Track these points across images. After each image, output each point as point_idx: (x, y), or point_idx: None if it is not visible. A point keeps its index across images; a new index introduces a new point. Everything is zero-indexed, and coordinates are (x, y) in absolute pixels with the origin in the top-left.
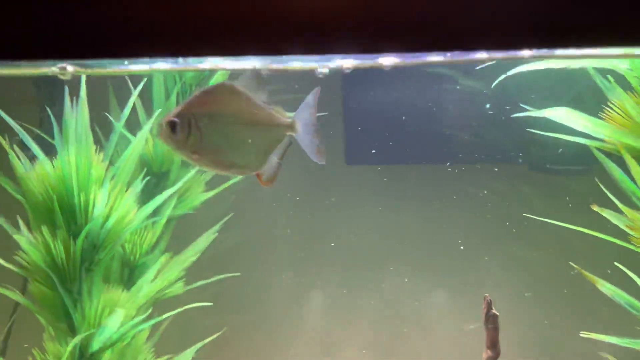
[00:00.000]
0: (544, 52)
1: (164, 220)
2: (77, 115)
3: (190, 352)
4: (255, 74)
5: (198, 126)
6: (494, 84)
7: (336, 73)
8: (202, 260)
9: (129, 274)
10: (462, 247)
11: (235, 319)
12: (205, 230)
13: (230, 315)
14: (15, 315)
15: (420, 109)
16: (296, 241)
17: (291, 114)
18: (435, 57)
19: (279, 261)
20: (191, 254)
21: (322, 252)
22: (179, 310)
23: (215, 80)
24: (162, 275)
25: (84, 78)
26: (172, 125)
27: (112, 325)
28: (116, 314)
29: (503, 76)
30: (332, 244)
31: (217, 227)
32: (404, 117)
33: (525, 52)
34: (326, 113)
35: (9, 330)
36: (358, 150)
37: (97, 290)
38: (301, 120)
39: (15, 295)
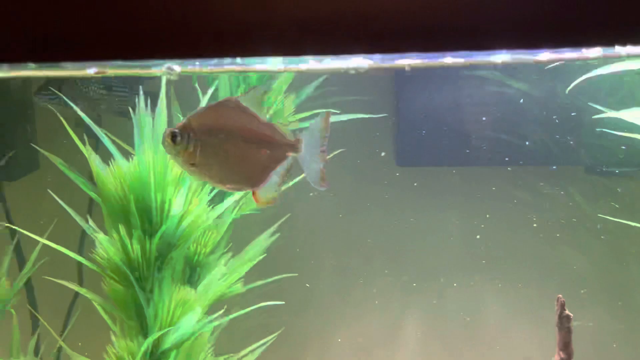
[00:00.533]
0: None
1: (230, 220)
2: (156, 115)
3: (254, 354)
4: (261, 90)
5: (197, 139)
6: (570, 86)
7: (388, 73)
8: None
9: (190, 273)
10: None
11: (290, 319)
12: (254, 231)
13: (285, 315)
14: (71, 315)
15: (475, 110)
16: (343, 242)
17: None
18: (501, 57)
19: (329, 263)
20: (251, 253)
21: (374, 253)
22: (251, 308)
23: (279, 82)
24: (226, 275)
25: (164, 79)
26: (172, 136)
27: (188, 324)
28: (194, 312)
29: (584, 77)
30: (384, 245)
31: (274, 227)
32: (459, 118)
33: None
34: (386, 114)
35: (64, 329)
36: (409, 151)
37: (167, 289)
38: (306, 141)
39: (88, 293)
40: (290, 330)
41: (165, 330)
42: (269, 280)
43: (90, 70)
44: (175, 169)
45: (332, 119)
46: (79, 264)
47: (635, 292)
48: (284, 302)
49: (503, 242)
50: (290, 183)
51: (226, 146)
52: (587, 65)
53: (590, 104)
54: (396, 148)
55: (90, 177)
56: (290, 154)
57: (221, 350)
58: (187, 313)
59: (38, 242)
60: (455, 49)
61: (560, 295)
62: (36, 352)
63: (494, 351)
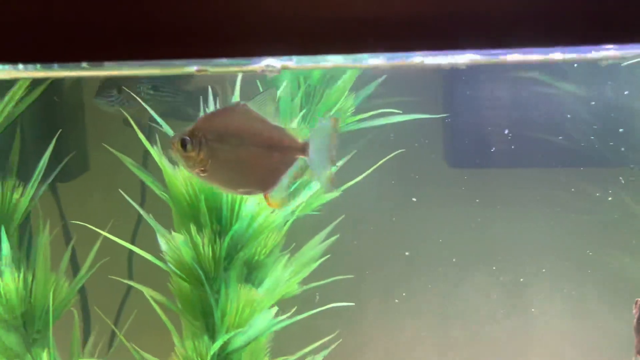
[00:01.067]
0: None
1: (291, 221)
2: None
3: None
4: (271, 93)
5: (208, 145)
6: None
7: (438, 71)
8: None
9: (248, 273)
10: (589, 253)
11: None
12: (310, 231)
13: (340, 318)
14: (120, 317)
15: (526, 111)
16: (398, 244)
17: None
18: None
19: (383, 264)
20: (310, 254)
21: (427, 256)
22: (323, 308)
23: (343, 80)
24: (291, 276)
25: (240, 76)
26: (182, 142)
27: (259, 323)
28: (266, 312)
29: None
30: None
31: (329, 228)
32: (510, 119)
33: None
34: (447, 114)
35: (114, 329)
36: (461, 152)
37: (233, 289)
38: (314, 143)
39: (154, 293)
40: (348, 334)
41: (238, 330)
42: (329, 280)
43: (192, 67)
44: None
45: (390, 119)
46: (129, 265)
47: None
48: (353, 304)
49: (556, 246)
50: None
51: (237, 151)
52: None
53: None
54: (448, 149)
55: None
56: (299, 157)
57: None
58: (254, 313)
59: (90, 243)
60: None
61: (639, 299)
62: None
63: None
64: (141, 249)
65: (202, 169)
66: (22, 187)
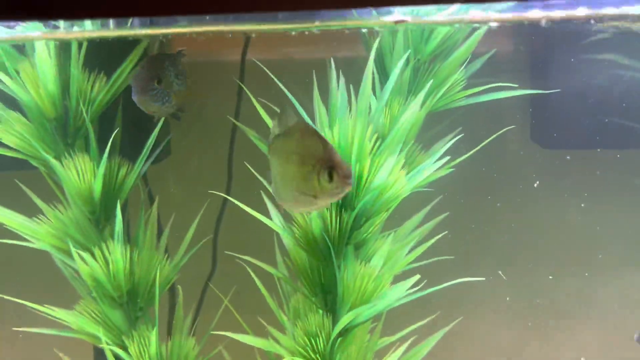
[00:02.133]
0: None
1: (400, 199)
2: (363, 84)
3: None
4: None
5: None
6: None
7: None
8: None
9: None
10: None
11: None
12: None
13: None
14: (204, 297)
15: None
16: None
17: None
18: None
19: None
20: (415, 233)
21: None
22: (450, 283)
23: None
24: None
25: (375, 47)
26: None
27: (390, 298)
28: (399, 285)
29: None
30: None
31: (427, 208)
32: (606, 100)
33: None
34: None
35: (198, 307)
36: (552, 130)
37: (352, 264)
38: None
39: (272, 269)
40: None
41: (368, 305)
42: (440, 258)
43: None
44: (372, 140)
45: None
46: (214, 245)
47: None
48: (484, 278)
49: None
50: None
51: None
52: None
53: None
54: (540, 129)
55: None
56: None
57: None
58: (376, 290)
59: (177, 223)
60: None
61: None
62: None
63: None
64: (227, 230)
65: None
66: (127, 166)
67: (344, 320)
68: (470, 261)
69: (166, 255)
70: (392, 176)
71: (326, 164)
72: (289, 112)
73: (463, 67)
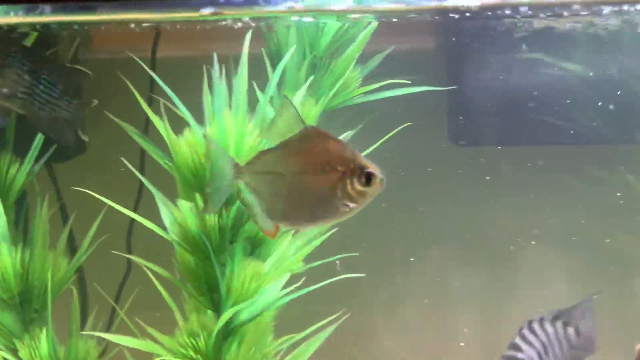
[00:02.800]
0: None
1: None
2: (237, 79)
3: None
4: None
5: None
6: None
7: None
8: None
9: (252, 249)
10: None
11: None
12: None
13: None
14: (120, 297)
15: (532, 89)
16: (413, 231)
17: None
18: None
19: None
20: (313, 233)
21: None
22: (329, 281)
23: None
24: (293, 251)
25: (248, 37)
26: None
27: (267, 296)
28: (275, 283)
29: None
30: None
31: None
32: (515, 97)
33: None
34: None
35: (114, 306)
36: (466, 127)
37: (239, 262)
38: None
39: (155, 267)
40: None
41: (245, 303)
42: (333, 258)
43: (206, 10)
44: (252, 136)
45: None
46: (128, 245)
47: None
48: (364, 275)
49: (555, 225)
50: None
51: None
52: None
53: None
54: (451, 126)
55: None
56: None
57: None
58: (261, 288)
59: (88, 223)
60: None
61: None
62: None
63: None
64: (142, 228)
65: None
66: (18, 163)
67: (222, 319)
68: (379, 258)
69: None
70: None
71: (359, 167)
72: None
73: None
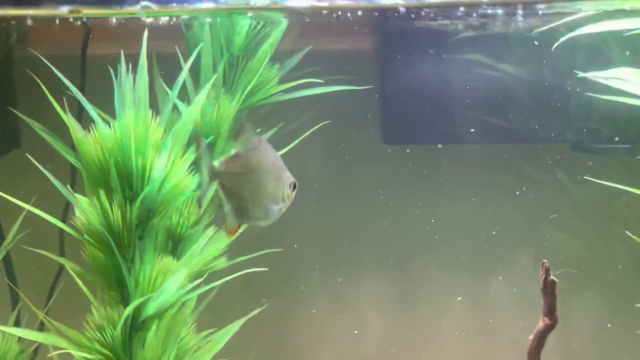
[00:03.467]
0: None
1: (211, 192)
2: (137, 77)
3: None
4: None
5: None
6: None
7: (375, 50)
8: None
9: (173, 246)
10: (494, 233)
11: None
12: None
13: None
14: (55, 289)
15: (460, 88)
16: (331, 227)
17: None
18: None
19: (312, 249)
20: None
21: (357, 240)
22: (232, 276)
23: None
24: (209, 248)
25: (145, 35)
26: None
27: (170, 289)
28: (176, 277)
29: (564, 38)
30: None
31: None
32: (444, 97)
33: None
34: (370, 87)
35: (47, 303)
36: (397, 127)
37: (149, 258)
38: None
39: (65, 262)
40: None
41: (147, 297)
42: (253, 255)
43: (63, 8)
44: (156, 132)
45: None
46: (61, 238)
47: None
48: (267, 269)
49: (487, 224)
50: None
51: None
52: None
53: (576, 72)
54: (382, 126)
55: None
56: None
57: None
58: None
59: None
60: None
61: (545, 261)
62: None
63: (483, 332)
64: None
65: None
66: None
67: (125, 313)
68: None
69: None
70: (175, 169)
71: (288, 177)
72: (248, 128)
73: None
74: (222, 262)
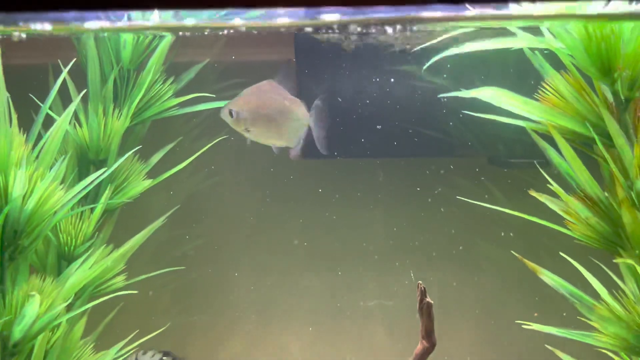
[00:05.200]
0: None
1: (99, 209)
2: None
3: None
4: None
5: (245, 116)
6: (426, 65)
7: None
8: (153, 257)
9: (67, 266)
10: (416, 243)
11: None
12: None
13: (176, 313)
14: None
15: (373, 97)
16: (252, 238)
17: None
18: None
19: (231, 260)
20: (130, 246)
21: (278, 250)
22: (109, 296)
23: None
24: (95, 267)
25: None
26: (230, 113)
27: (31, 312)
28: (33, 300)
29: (437, 57)
30: (295, 242)
31: (160, 220)
32: (354, 109)
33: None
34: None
35: None
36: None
37: (22, 279)
38: (314, 116)
39: None
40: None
41: (7, 318)
42: (153, 274)
43: None
44: (18, 150)
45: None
46: None
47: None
48: (137, 292)
49: (404, 235)
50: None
51: (264, 119)
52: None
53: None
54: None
55: None
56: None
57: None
58: (43, 306)
59: None
60: None
61: (420, 282)
62: None
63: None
64: None
65: (246, 128)
66: None
67: None
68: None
69: None
70: (38, 187)
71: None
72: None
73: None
74: (119, 281)
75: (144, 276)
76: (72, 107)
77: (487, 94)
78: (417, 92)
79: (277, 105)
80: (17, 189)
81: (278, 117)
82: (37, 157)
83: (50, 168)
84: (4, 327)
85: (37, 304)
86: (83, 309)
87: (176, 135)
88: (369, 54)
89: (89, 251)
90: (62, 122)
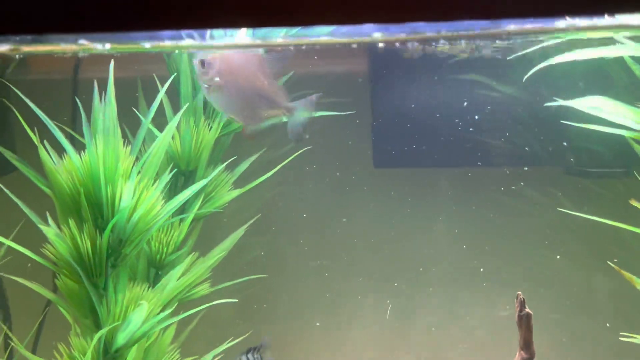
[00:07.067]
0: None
1: (190, 219)
2: (105, 107)
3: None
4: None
5: (219, 70)
6: (526, 76)
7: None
8: (230, 264)
9: (155, 273)
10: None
11: (261, 325)
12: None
13: (257, 321)
14: (46, 312)
15: (451, 111)
16: (322, 248)
17: None
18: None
19: (304, 268)
20: (217, 254)
21: (349, 258)
22: (202, 307)
23: None
24: (187, 275)
25: (112, 66)
26: (202, 62)
27: (137, 319)
28: (140, 308)
29: (536, 68)
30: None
31: (242, 229)
32: (434, 120)
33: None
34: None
35: (39, 327)
36: (387, 151)
37: (123, 286)
38: (301, 105)
39: (43, 290)
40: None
41: (113, 325)
42: (236, 281)
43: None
44: (125, 162)
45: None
46: None
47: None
48: (236, 300)
49: (481, 246)
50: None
51: (237, 85)
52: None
53: (556, 98)
54: (373, 150)
55: None
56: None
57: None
58: (142, 312)
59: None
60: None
61: (520, 293)
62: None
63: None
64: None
65: (210, 85)
66: None
67: (93, 342)
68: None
69: None
70: (144, 198)
71: None
72: None
73: None
74: (205, 289)
75: (228, 283)
76: (174, 122)
77: (594, 103)
78: (493, 102)
79: (253, 79)
80: (125, 200)
81: (249, 89)
82: (140, 169)
83: (154, 180)
84: (108, 332)
85: (144, 311)
86: (182, 316)
87: (250, 145)
88: (434, 63)
89: (179, 259)
90: (166, 135)
